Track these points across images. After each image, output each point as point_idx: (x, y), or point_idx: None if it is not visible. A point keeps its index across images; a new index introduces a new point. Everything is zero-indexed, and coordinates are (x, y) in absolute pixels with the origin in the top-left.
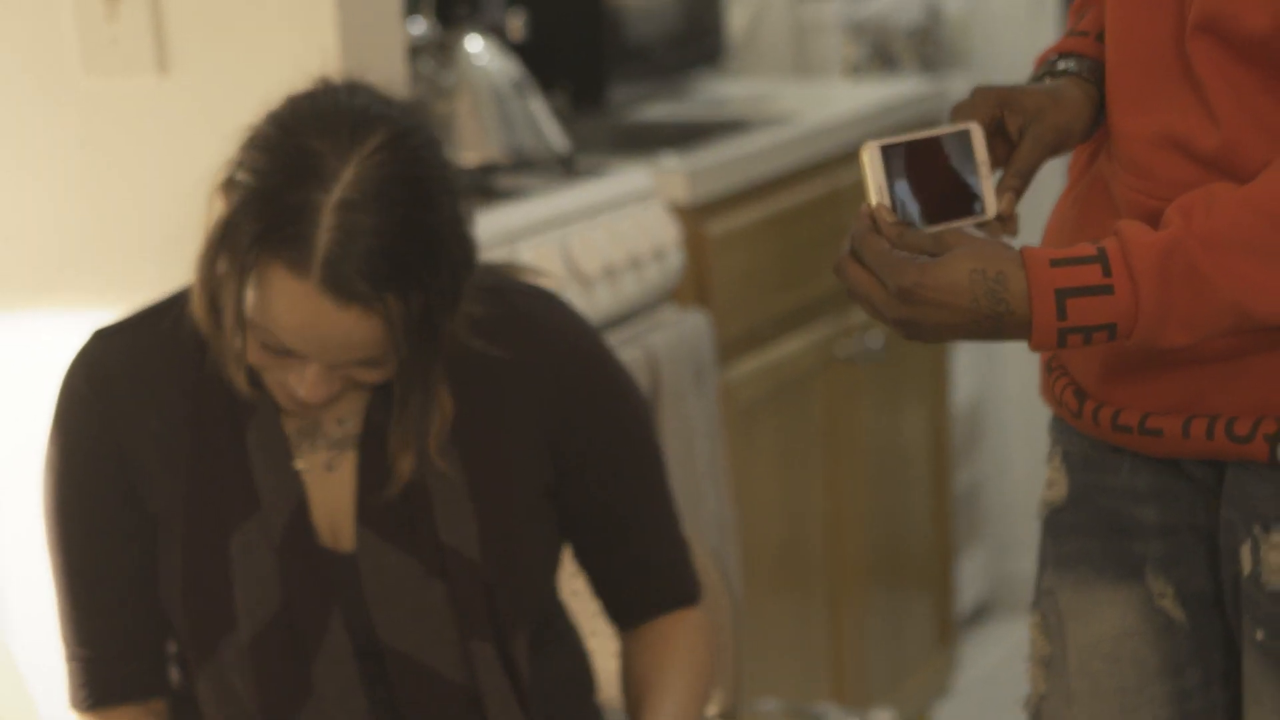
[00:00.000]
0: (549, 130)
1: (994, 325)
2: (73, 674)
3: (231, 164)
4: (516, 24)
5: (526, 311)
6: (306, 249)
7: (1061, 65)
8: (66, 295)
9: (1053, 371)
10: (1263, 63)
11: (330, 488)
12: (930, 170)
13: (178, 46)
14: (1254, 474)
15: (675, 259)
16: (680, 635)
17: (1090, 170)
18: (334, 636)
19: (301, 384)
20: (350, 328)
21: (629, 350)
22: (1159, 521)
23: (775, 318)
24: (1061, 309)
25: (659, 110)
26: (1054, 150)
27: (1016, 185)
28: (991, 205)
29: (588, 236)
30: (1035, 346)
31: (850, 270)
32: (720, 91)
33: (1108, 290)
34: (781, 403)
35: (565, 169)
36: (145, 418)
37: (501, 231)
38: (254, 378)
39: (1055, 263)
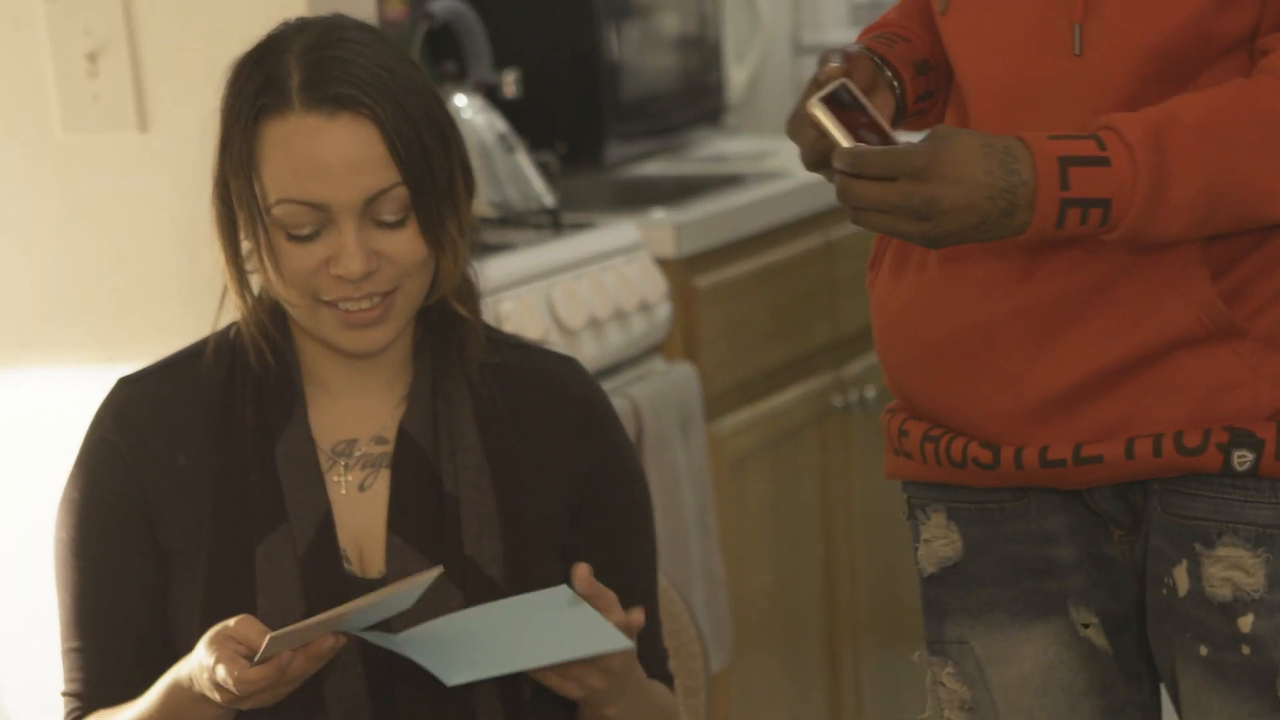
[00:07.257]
0: (536, 184)
1: (1009, 202)
2: (68, 704)
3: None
4: (510, 81)
5: (553, 372)
6: (283, 91)
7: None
8: (48, 350)
9: (938, 440)
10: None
11: (361, 508)
12: (848, 115)
13: (157, 104)
14: (1188, 496)
15: (663, 312)
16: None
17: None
18: (349, 655)
19: (343, 254)
20: (346, 141)
21: (613, 400)
22: (1076, 557)
23: (767, 370)
24: (1065, 177)
25: (656, 167)
26: None
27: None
28: (895, 135)
29: (573, 289)
30: (1036, 224)
31: (855, 186)
32: (720, 149)
33: (1105, 162)
34: (774, 454)
35: (552, 223)
36: (172, 457)
37: (487, 284)
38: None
39: (1052, 137)
